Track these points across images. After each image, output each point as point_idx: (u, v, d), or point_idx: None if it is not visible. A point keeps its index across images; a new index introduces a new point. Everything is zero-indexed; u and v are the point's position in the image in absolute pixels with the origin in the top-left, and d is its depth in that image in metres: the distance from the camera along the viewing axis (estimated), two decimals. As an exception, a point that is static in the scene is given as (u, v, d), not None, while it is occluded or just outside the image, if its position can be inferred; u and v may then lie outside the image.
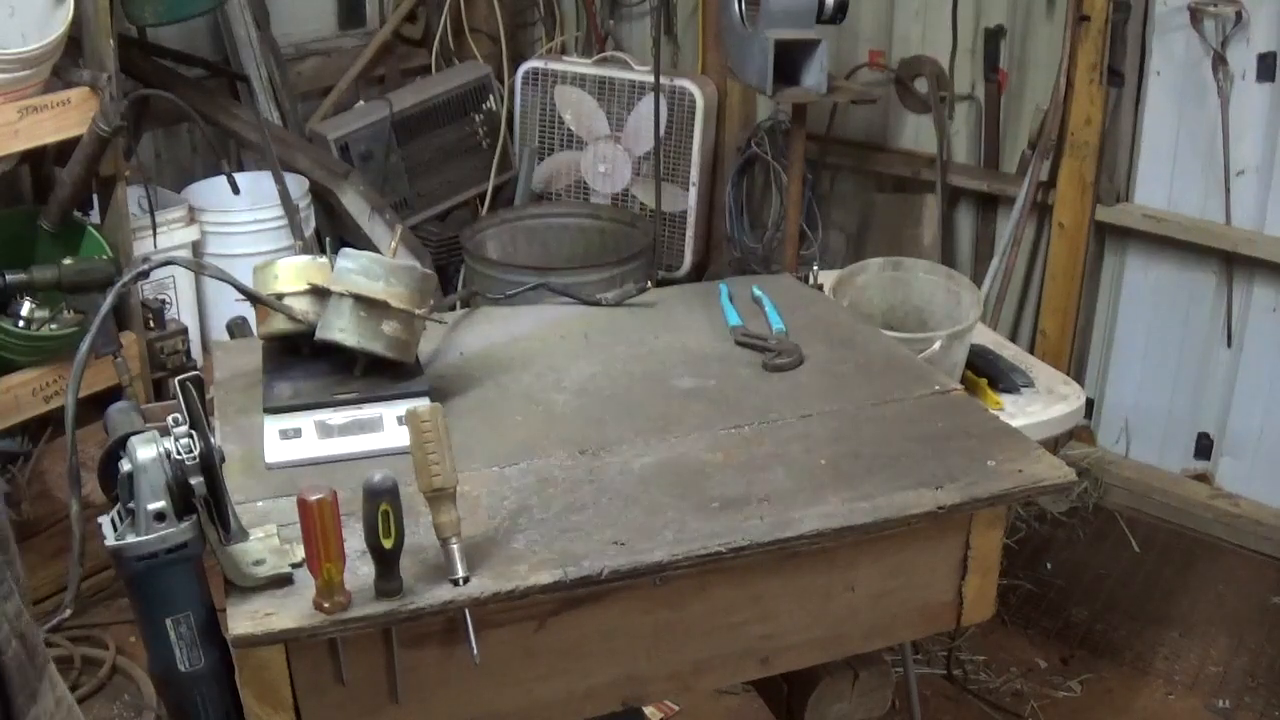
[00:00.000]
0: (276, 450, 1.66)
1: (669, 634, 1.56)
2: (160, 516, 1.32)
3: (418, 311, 1.74)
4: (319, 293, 1.76)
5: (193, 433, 1.34)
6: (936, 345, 2.62)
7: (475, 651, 1.38)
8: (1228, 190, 3.33)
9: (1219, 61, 3.24)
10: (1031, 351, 3.48)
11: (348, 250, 1.76)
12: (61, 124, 2.78)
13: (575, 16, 4.75)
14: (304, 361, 1.80)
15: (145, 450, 1.32)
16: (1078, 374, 3.72)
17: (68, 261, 2.79)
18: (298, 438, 1.68)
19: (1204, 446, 3.62)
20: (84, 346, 1.59)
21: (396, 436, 1.65)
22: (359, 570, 1.38)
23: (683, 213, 4.41)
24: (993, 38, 3.75)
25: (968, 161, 3.93)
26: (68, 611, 1.80)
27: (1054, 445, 3.49)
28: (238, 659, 1.37)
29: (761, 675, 1.71)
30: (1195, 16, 3.26)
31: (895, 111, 4.03)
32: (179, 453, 1.33)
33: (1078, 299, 3.62)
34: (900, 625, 1.71)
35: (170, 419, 1.36)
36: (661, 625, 1.55)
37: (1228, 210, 3.36)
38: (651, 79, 3.98)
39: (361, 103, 4.38)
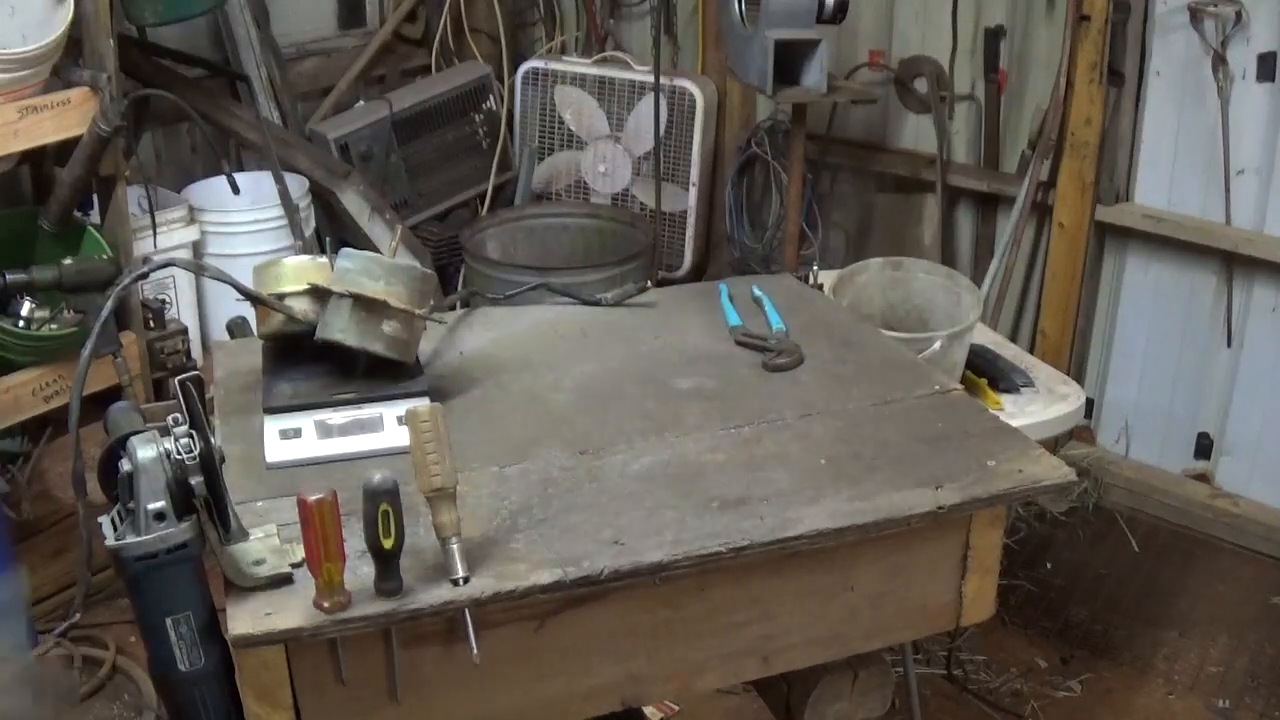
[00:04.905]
0: (276, 450, 1.66)
1: (669, 634, 1.56)
2: (160, 516, 1.33)
3: (418, 311, 1.74)
4: (319, 293, 1.76)
5: (193, 433, 1.34)
6: (936, 345, 2.62)
7: (475, 651, 1.38)
8: (1228, 190, 3.33)
9: (1219, 61, 3.24)
10: (1031, 351, 3.48)
11: (348, 250, 1.76)
12: (61, 124, 2.77)
13: (575, 16, 4.75)
14: (304, 361, 1.80)
15: (145, 450, 1.32)
16: (1078, 374, 3.72)
17: (68, 261, 2.79)
18: (298, 438, 1.68)
19: (1204, 446, 3.62)
20: (86, 351, 1.59)
21: (396, 436, 1.65)
22: (359, 570, 1.38)
23: (683, 213, 4.41)
24: (993, 38, 3.75)
25: (968, 161, 3.93)
26: (76, 616, 1.81)
27: (1054, 445, 3.49)
28: (238, 659, 1.37)
29: (761, 675, 1.71)
30: (1195, 16, 3.26)
31: (895, 111, 4.03)
32: (179, 453, 1.33)
33: (1078, 299, 3.62)
34: (900, 625, 1.71)
35: (170, 419, 1.37)
36: (661, 625, 1.55)
37: (1228, 210, 3.36)
38: (651, 79, 3.98)
39: (361, 103, 4.38)
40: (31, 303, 2.90)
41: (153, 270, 1.77)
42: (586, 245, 4.15)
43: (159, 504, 1.32)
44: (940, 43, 3.83)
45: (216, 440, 1.38)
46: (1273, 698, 2.85)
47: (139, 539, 1.32)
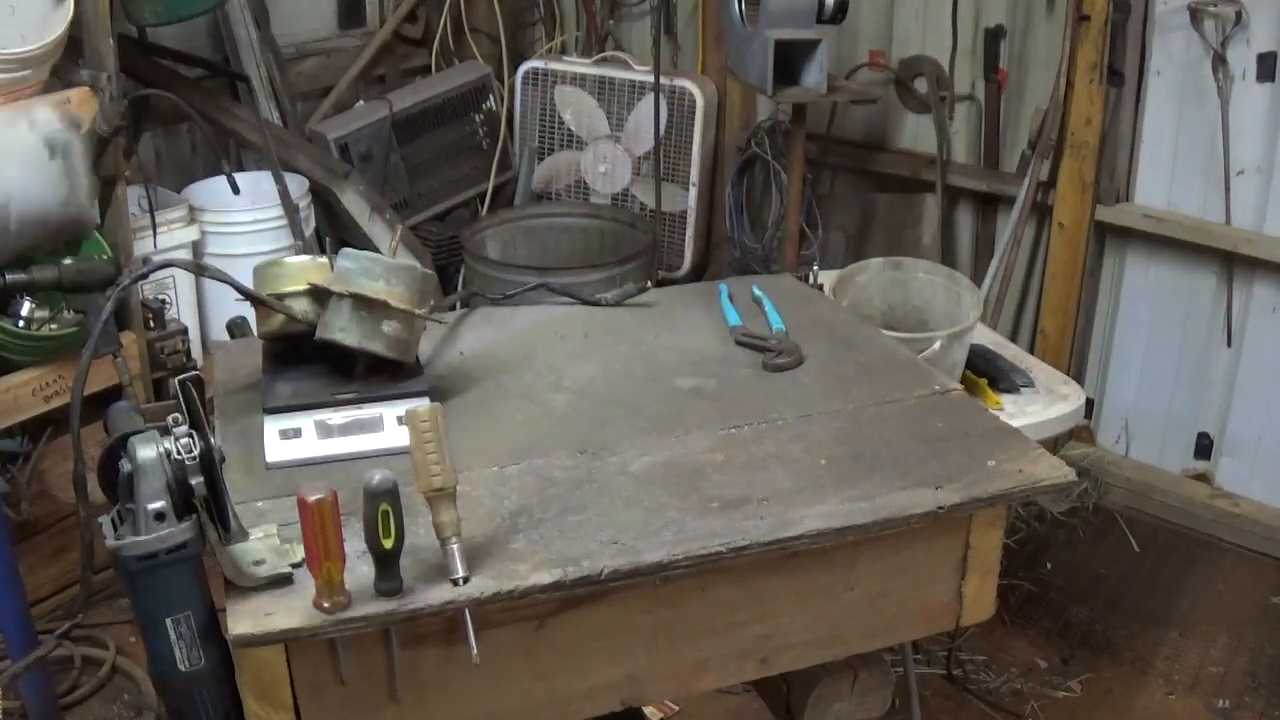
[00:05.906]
0: (276, 450, 1.66)
1: (669, 634, 1.56)
2: (160, 516, 1.33)
3: (418, 311, 1.74)
4: (319, 293, 1.76)
5: (193, 433, 1.34)
6: (936, 345, 2.62)
7: (475, 651, 1.38)
8: (1228, 190, 3.33)
9: (1219, 61, 3.25)
10: (1031, 351, 3.48)
11: (348, 250, 1.76)
12: (61, 124, 2.77)
13: (575, 16, 4.75)
14: (304, 361, 1.80)
15: (145, 450, 1.32)
16: (1078, 374, 3.72)
17: (68, 261, 2.78)
18: (298, 438, 1.68)
19: (1204, 446, 3.62)
20: (86, 351, 1.59)
21: (396, 436, 1.65)
22: (359, 570, 1.38)
23: (683, 213, 4.41)
24: (993, 38, 3.75)
25: (968, 161, 3.93)
26: (80, 616, 1.81)
27: (1054, 445, 3.49)
28: (238, 659, 1.37)
29: (761, 675, 1.71)
30: (1195, 16, 3.26)
31: (895, 111, 4.03)
32: (179, 453, 1.33)
33: (1078, 299, 3.62)
34: (900, 625, 1.71)
35: (170, 419, 1.36)
36: (661, 625, 1.55)
37: (1228, 210, 3.36)
38: (651, 79, 3.98)
39: (361, 103, 4.38)
40: (31, 303, 2.90)
41: (153, 270, 1.77)
42: (586, 245, 4.15)
43: (159, 504, 1.32)
44: (940, 43, 3.83)
45: (216, 440, 1.38)
46: (1273, 698, 2.85)
47: (139, 539, 1.32)
